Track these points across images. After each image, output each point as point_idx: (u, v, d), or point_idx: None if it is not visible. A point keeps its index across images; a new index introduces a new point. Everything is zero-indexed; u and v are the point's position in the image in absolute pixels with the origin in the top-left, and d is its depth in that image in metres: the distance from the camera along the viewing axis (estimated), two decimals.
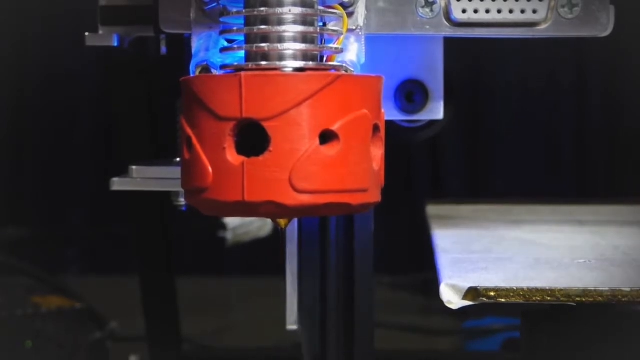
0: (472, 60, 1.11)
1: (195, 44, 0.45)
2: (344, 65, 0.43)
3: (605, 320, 0.47)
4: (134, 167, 0.53)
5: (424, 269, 1.04)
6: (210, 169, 0.39)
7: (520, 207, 0.70)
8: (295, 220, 0.57)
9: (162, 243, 0.78)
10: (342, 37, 0.43)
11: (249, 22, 0.41)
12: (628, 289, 0.41)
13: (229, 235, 0.77)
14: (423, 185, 1.17)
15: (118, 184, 0.53)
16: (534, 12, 0.47)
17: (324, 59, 0.42)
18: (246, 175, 0.38)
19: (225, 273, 1.14)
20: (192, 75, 0.44)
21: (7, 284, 0.80)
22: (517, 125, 1.14)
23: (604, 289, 0.41)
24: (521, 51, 1.09)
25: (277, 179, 0.38)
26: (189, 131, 0.40)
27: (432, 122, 0.56)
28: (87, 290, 0.85)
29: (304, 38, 0.40)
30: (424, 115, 0.53)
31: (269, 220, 0.64)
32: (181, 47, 0.51)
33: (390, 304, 1.01)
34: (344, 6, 0.45)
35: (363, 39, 0.46)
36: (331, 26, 0.43)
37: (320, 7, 0.41)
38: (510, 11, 0.47)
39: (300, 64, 0.40)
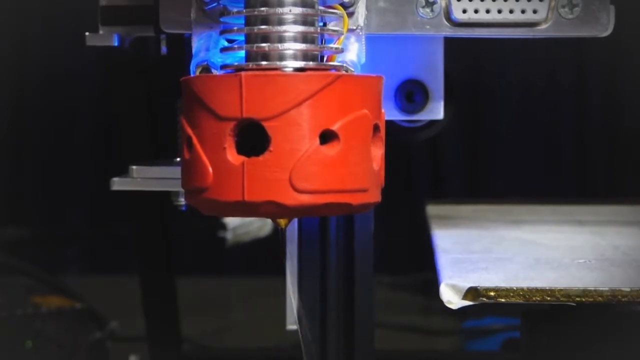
0: (472, 60, 1.11)
1: (195, 43, 0.45)
2: (344, 65, 0.43)
3: (605, 320, 0.47)
4: (134, 167, 0.53)
5: (424, 269, 1.04)
6: (210, 169, 0.39)
7: (520, 207, 0.70)
8: (295, 220, 0.57)
9: (162, 243, 0.78)
10: (342, 37, 0.43)
11: (249, 22, 0.41)
12: (628, 289, 0.41)
13: (229, 235, 0.77)
14: (423, 185, 1.17)
15: (118, 184, 0.53)
16: (534, 12, 0.47)
17: (324, 59, 0.42)
18: (246, 175, 0.38)
19: (225, 273, 1.15)
20: (192, 75, 0.43)
21: (7, 284, 0.80)
22: (517, 125, 1.14)
23: (604, 289, 0.41)
24: (521, 51, 1.09)
25: (277, 178, 0.38)
26: (189, 131, 0.40)
27: (432, 122, 0.56)
28: (87, 290, 0.85)
29: (304, 38, 0.40)
30: (424, 115, 0.53)
31: (269, 220, 0.64)
32: (181, 47, 0.51)
33: (390, 304, 1.01)
34: (344, 6, 0.45)
35: (363, 39, 0.46)
36: (331, 26, 0.43)
37: (321, 7, 0.41)
38: (511, 11, 0.47)
39: (300, 63, 0.40)
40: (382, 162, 0.41)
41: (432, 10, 0.47)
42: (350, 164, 0.39)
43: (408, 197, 1.11)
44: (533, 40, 0.51)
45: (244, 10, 0.41)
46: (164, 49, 0.58)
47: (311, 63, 0.40)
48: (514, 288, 0.41)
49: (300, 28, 0.40)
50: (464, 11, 0.47)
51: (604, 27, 0.48)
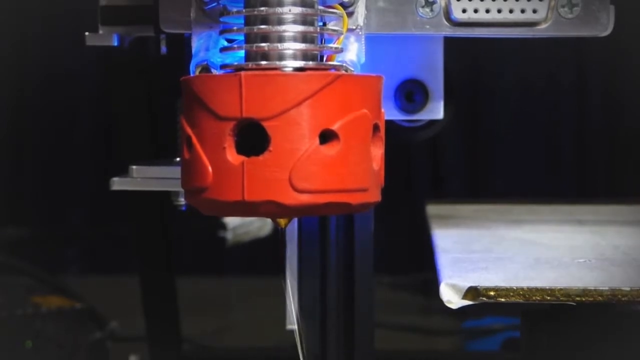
0: (472, 60, 1.11)
1: (195, 43, 0.45)
2: (344, 64, 0.43)
3: (605, 320, 0.47)
4: (134, 167, 0.53)
5: (424, 269, 1.04)
6: (210, 169, 0.39)
7: (520, 207, 0.70)
8: (295, 220, 0.57)
9: (162, 243, 0.78)
10: (342, 37, 0.43)
11: (249, 21, 0.41)
12: (628, 289, 0.41)
13: (229, 235, 0.77)
14: (423, 185, 1.17)
15: (118, 184, 0.53)
16: (534, 11, 0.47)
17: (324, 59, 0.42)
18: (246, 175, 0.38)
19: (225, 273, 1.14)
20: (192, 75, 0.44)
21: (7, 284, 0.80)
22: (517, 125, 1.14)
23: (603, 288, 0.41)
24: (521, 51, 1.09)
25: (277, 178, 0.38)
26: (189, 131, 0.40)
27: (432, 122, 0.56)
28: (87, 290, 0.85)
29: (304, 38, 0.40)
30: (424, 115, 0.53)
31: (269, 220, 0.64)
32: (181, 47, 0.51)
33: (390, 304, 1.01)
34: (344, 6, 0.45)
35: (363, 39, 0.46)
36: (331, 26, 0.43)
37: (320, 7, 0.41)
38: (510, 11, 0.47)
39: (300, 63, 0.40)
40: (382, 162, 0.41)
41: (431, 10, 0.47)
42: (350, 164, 0.39)
43: (408, 197, 1.11)
44: (533, 40, 0.51)
45: (244, 10, 0.41)
46: (163, 49, 0.58)
47: (311, 63, 0.40)
48: (514, 287, 0.41)
49: (299, 28, 0.40)
50: (464, 11, 0.47)
51: (604, 27, 0.48)
